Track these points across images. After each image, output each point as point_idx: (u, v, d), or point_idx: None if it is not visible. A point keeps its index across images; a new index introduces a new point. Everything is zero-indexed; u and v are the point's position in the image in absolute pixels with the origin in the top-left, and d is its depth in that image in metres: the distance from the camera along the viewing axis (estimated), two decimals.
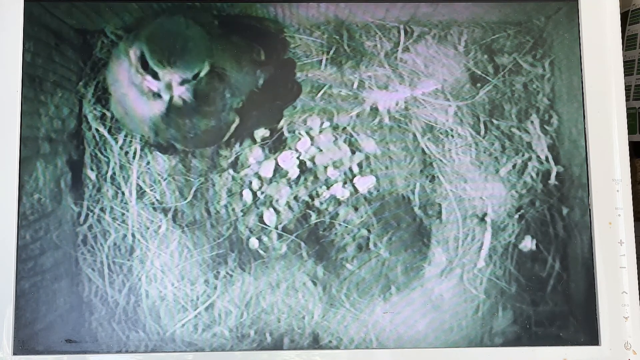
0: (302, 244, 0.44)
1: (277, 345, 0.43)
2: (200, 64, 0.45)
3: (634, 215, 0.45)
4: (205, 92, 0.45)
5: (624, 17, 0.57)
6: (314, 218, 0.44)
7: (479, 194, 0.45)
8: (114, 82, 0.45)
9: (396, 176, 0.45)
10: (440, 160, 0.45)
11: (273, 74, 0.45)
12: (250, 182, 0.45)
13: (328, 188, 0.45)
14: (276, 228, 0.44)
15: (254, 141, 0.45)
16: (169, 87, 0.44)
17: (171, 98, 0.44)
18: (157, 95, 0.44)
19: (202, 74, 0.44)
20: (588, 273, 0.44)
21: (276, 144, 0.45)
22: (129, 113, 0.45)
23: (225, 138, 0.45)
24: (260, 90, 0.45)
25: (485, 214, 0.45)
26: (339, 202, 0.45)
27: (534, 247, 0.45)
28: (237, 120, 0.44)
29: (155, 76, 0.44)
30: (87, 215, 0.44)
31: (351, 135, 0.45)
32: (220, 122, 0.45)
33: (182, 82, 0.44)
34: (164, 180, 0.44)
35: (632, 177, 0.45)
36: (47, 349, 0.43)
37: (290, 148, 0.45)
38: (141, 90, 0.44)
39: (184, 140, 0.45)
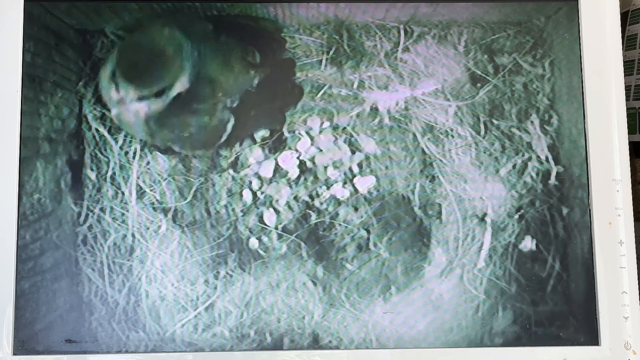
0: (302, 244, 0.44)
1: (277, 346, 0.43)
2: (168, 81, 0.44)
3: (634, 215, 0.45)
4: (183, 102, 0.44)
5: (624, 17, 0.57)
6: (314, 218, 0.45)
7: (479, 194, 0.45)
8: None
9: (396, 176, 0.45)
10: (440, 161, 0.45)
11: (270, 74, 0.45)
12: (250, 182, 0.45)
13: (328, 188, 0.45)
14: (276, 228, 0.44)
15: (254, 141, 0.45)
16: (122, 101, 0.44)
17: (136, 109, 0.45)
18: (121, 105, 0.45)
19: (171, 91, 0.44)
20: (588, 273, 0.44)
21: (276, 144, 0.45)
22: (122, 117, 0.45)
23: (223, 139, 0.45)
24: (257, 90, 0.45)
25: (485, 214, 0.45)
26: (339, 203, 0.45)
27: (534, 247, 0.45)
28: (232, 120, 0.44)
29: (117, 87, 0.44)
30: (87, 215, 0.44)
31: (351, 136, 0.45)
32: (215, 121, 0.44)
33: (141, 99, 0.44)
34: (164, 180, 0.44)
35: (632, 177, 0.45)
36: (47, 349, 0.43)
37: (290, 148, 0.45)
38: (110, 97, 0.45)
39: (180, 141, 0.44)
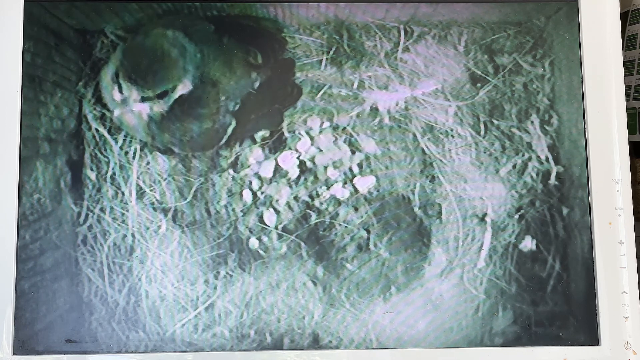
0: (302, 244, 0.44)
1: (277, 346, 0.43)
2: (171, 83, 0.44)
3: (634, 215, 0.45)
4: (186, 104, 0.44)
5: (624, 17, 0.57)
6: (314, 218, 0.45)
7: (479, 194, 0.45)
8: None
9: (396, 176, 0.45)
10: (440, 161, 0.45)
11: (270, 76, 0.45)
12: (251, 182, 0.45)
13: (328, 188, 0.45)
14: (276, 228, 0.44)
15: (254, 141, 0.45)
16: (125, 102, 0.44)
17: (137, 111, 0.44)
18: (124, 106, 0.44)
19: (173, 93, 0.44)
20: (588, 273, 0.44)
21: (276, 144, 0.45)
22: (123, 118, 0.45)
23: (223, 141, 0.45)
24: (257, 92, 0.45)
25: (485, 214, 0.45)
26: (339, 203, 0.45)
27: (534, 247, 0.45)
28: (233, 123, 0.44)
29: (120, 88, 0.44)
30: (87, 215, 0.44)
31: (351, 136, 0.45)
32: (217, 125, 0.44)
33: (143, 100, 0.44)
34: (164, 180, 0.44)
35: (632, 177, 0.45)
36: (47, 349, 0.43)
37: (290, 148, 0.45)
38: (112, 98, 0.44)
39: (180, 144, 0.44)
